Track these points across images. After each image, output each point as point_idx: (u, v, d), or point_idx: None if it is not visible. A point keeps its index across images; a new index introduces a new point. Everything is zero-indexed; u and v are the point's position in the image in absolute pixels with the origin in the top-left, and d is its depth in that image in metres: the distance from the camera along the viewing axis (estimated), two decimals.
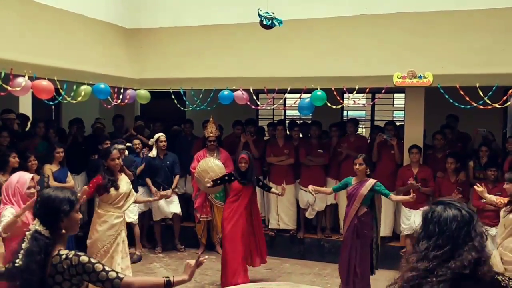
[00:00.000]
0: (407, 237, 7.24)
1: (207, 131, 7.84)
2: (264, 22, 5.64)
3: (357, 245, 5.89)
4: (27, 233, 2.65)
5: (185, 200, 8.72)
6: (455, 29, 6.93)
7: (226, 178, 6.69)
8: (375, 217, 6.01)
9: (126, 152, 7.46)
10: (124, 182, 6.00)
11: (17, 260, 2.60)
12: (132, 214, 7.65)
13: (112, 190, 5.84)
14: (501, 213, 5.37)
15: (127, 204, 6.04)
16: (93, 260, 2.59)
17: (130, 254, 6.41)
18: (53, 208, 2.63)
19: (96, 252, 5.73)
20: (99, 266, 2.58)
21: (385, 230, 7.61)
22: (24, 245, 2.61)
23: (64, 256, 2.56)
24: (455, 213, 2.26)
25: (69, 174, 7.17)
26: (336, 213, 8.33)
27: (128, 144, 7.77)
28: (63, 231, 2.66)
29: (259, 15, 5.63)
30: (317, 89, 6.82)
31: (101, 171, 5.90)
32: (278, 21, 5.71)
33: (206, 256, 3.08)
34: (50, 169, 6.84)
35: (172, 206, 8.08)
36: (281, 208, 8.17)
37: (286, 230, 8.25)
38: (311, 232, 8.29)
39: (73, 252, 2.61)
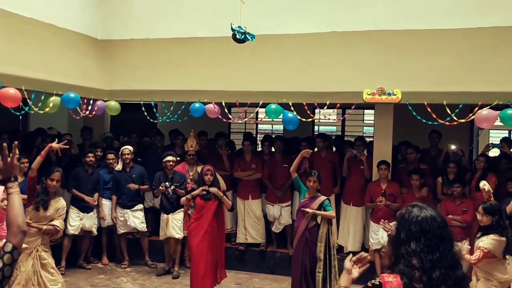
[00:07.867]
0: (376, 252, 7.30)
1: (187, 145, 7.74)
2: (237, 36, 5.68)
3: (308, 254, 6.09)
4: None
5: (154, 214, 8.59)
6: (424, 48, 7.09)
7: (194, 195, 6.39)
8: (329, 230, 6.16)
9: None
10: (55, 207, 5.47)
11: None
12: (175, 231, 7.65)
13: (41, 209, 5.38)
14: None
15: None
16: None
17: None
18: None
19: None
20: None
21: (354, 244, 7.66)
22: None
23: None
24: (432, 214, 2.30)
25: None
26: None
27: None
28: None
29: (232, 29, 5.66)
30: (288, 103, 6.88)
31: (40, 187, 5.48)
32: (251, 36, 5.76)
33: None
34: None
35: (136, 222, 7.96)
36: (248, 222, 8.13)
37: (256, 244, 8.21)
38: (281, 247, 8.27)
39: None
